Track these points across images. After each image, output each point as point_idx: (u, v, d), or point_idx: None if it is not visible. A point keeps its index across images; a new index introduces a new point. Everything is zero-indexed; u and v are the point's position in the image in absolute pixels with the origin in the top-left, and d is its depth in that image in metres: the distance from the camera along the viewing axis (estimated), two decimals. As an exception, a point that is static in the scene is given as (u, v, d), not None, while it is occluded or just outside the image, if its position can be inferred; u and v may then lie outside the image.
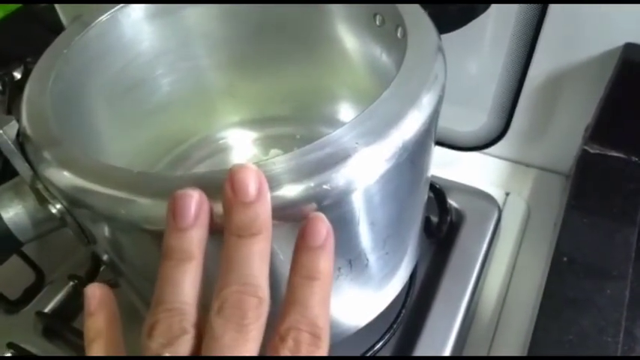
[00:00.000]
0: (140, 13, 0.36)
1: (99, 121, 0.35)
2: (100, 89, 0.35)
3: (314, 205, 0.22)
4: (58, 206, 0.25)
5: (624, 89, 0.41)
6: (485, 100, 0.47)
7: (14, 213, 0.26)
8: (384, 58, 0.34)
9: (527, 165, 0.54)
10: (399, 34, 0.30)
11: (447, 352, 0.37)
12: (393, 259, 0.31)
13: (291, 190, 0.21)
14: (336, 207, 0.23)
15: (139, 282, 0.31)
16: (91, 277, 0.44)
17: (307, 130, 0.45)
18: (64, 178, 0.24)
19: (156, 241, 0.21)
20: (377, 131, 0.23)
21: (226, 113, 0.46)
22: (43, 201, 0.25)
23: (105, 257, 0.29)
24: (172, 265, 0.20)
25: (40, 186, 0.25)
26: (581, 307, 0.32)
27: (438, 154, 0.31)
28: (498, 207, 0.47)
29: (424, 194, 0.33)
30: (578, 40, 0.43)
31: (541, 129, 0.50)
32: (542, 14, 0.40)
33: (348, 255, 0.27)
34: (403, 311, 0.39)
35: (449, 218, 0.45)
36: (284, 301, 0.21)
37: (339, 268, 0.27)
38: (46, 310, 0.43)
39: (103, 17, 0.33)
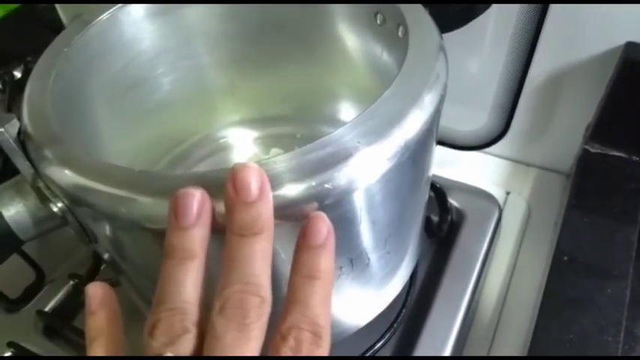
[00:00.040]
0: (141, 11, 0.36)
1: (100, 119, 0.35)
2: (100, 88, 0.35)
3: (315, 205, 0.22)
4: (59, 205, 0.25)
5: (625, 88, 0.41)
6: (485, 100, 0.47)
7: (15, 211, 0.26)
8: (385, 57, 0.34)
9: (528, 164, 0.54)
10: (400, 33, 0.30)
11: (447, 352, 0.37)
12: (394, 258, 0.31)
13: (292, 190, 0.21)
14: (337, 206, 0.23)
15: (140, 281, 0.31)
16: (92, 276, 0.44)
17: (308, 129, 0.45)
18: (65, 176, 0.24)
19: (157, 240, 0.21)
20: (378, 130, 0.23)
21: (227, 112, 0.46)
22: (44, 199, 0.25)
23: (106, 256, 0.29)
24: (174, 263, 0.20)
25: (41, 184, 0.25)
26: (582, 307, 0.32)
27: (439, 153, 0.31)
28: (499, 206, 0.47)
29: (425, 193, 0.33)
30: (578, 39, 0.42)
31: (542, 128, 0.50)
32: (542, 14, 0.40)
33: (350, 254, 0.27)
34: (403, 311, 0.39)
35: (449, 217, 0.45)
36: (285, 300, 0.21)
37: (341, 268, 0.27)
38: (47, 309, 0.43)
39: (104, 16, 0.33)
